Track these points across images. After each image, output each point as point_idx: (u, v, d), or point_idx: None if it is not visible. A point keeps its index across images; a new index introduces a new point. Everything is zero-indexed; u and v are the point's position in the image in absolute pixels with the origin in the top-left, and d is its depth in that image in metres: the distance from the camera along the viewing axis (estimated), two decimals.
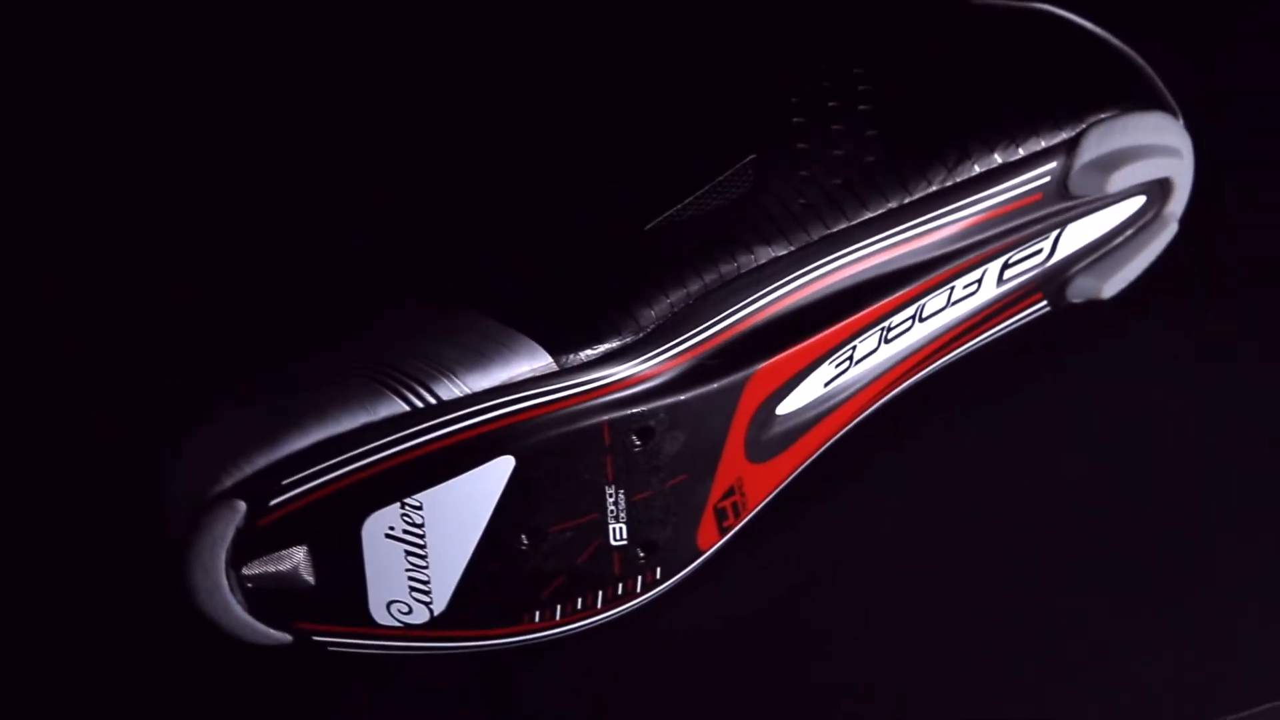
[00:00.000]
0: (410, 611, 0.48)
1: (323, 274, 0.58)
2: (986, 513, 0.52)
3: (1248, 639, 0.50)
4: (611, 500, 0.48)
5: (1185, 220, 0.55)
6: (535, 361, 0.46)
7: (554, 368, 0.46)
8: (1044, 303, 0.54)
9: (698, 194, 0.49)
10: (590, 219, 0.49)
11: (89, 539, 0.53)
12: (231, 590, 0.46)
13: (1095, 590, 0.50)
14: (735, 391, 0.48)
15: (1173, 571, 0.51)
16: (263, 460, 0.45)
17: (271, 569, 0.47)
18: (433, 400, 0.45)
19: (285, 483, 0.45)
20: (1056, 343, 0.56)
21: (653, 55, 0.56)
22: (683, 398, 0.47)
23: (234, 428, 0.46)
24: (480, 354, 0.46)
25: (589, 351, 0.47)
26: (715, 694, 0.49)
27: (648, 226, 0.49)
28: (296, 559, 0.47)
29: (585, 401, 0.47)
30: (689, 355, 0.48)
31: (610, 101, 0.56)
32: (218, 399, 0.47)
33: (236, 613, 0.47)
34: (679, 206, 0.49)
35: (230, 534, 0.45)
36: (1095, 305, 0.55)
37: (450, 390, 0.46)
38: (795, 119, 0.51)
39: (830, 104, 0.51)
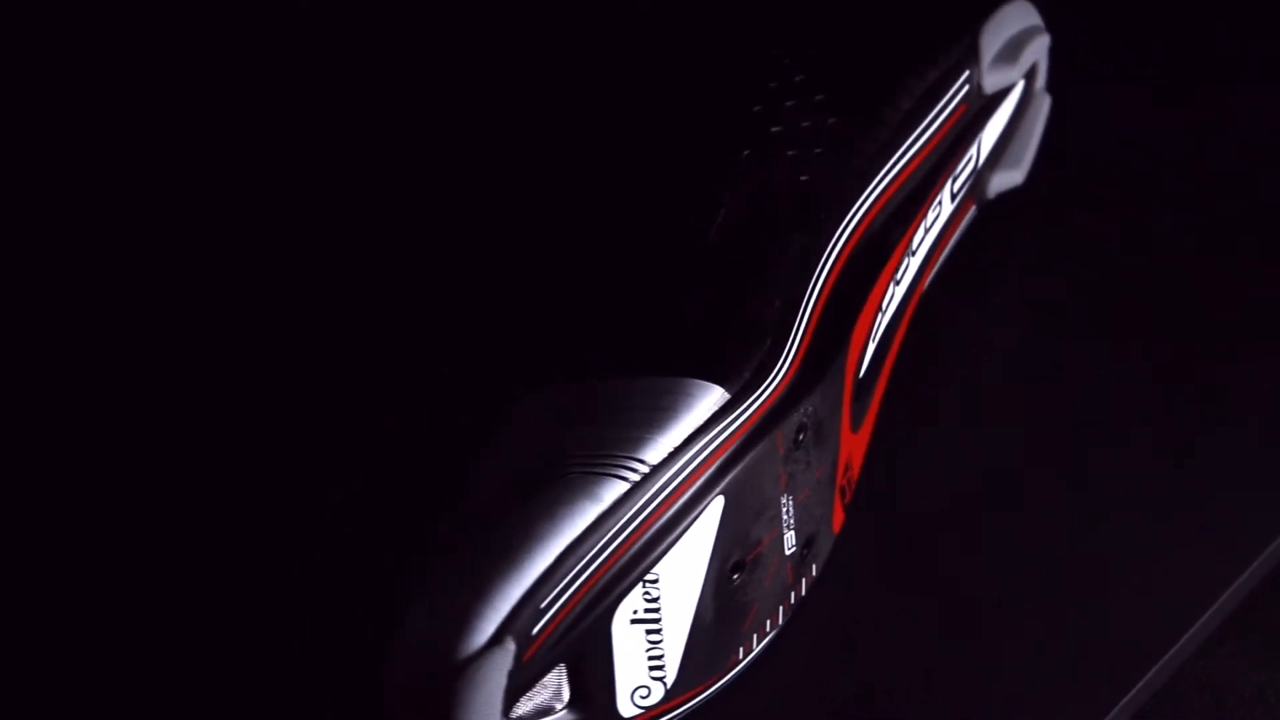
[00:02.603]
0: (649, 693, 0.46)
1: (326, 276, 0.56)
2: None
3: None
4: (785, 510, 0.47)
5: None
6: (711, 396, 0.45)
7: (727, 396, 0.46)
8: (974, 208, 0.57)
9: (725, 200, 0.49)
10: (650, 242, 0.49)
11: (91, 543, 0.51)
12: None
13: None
14: (841, 368, 0.49)
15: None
16: (517, 590, 0.43)
17: (537, 701, 0.44)
18: (645, 468, 0.44)
19: (544, 605, 0.43)
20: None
21: (616, 78, 0.55)
22: (818, 388, 0.48)
23: (469, 566, 0.43)
24: (663, 409, 0.45)
25: (746, 371, 0.46)
26: None
27: (708, 240, 0.48)
28: (554, 682, 0.44)
29: (759, 418, 0.46)
30: (803, 348, 0.48)
31: (601, 125, 0.54)
32: (425, 541, 0.44)
33: None
34: (720, 215, 0.49)
35: (504, 680, 0.42)
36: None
37: (655, 452, 0.44)
38: (754, 108, 0.51)
39: (771, 85, 0.52)
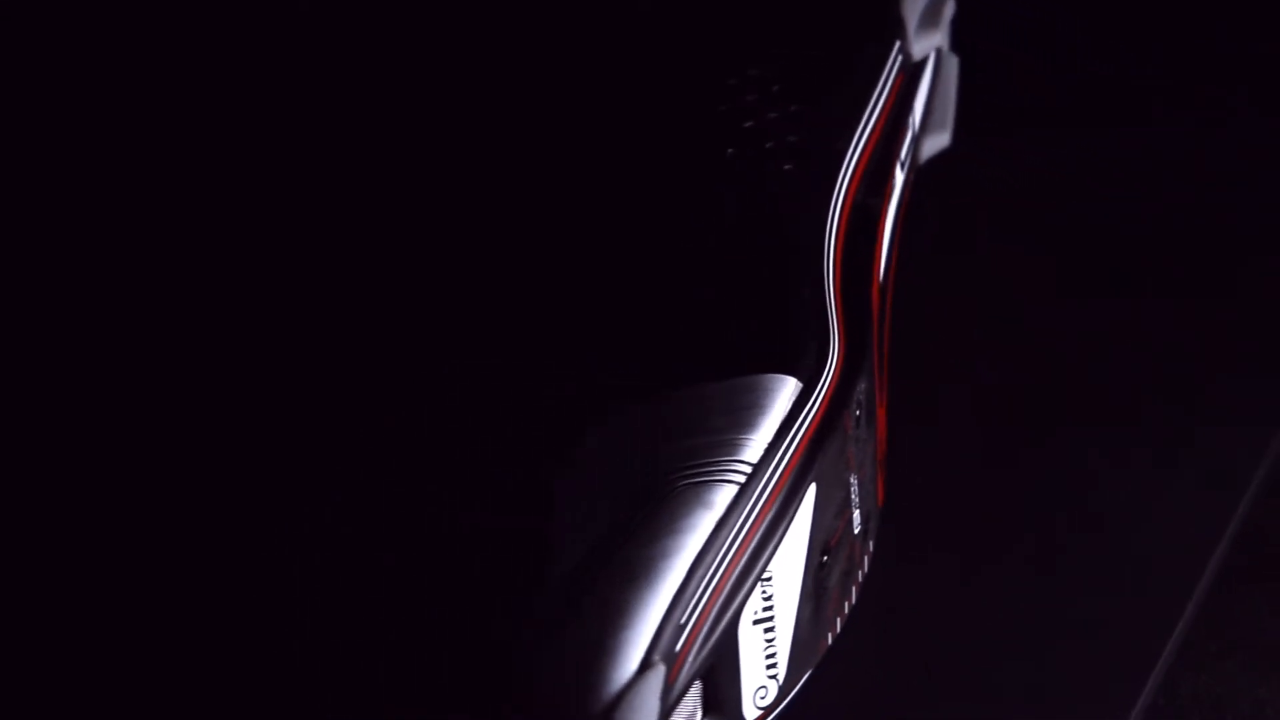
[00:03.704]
0: (766, 693, 0.46)
1: (326, 277, 0.54)
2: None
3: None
4: (853, 490, 0.48)
5: None
6: (788, 389, 0.45)
7: (800, 385, 0.46)
8: (912, 177, 0.58)
9: (725, 198, 0.49)
10: (669, 248, 0.48)
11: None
12: None
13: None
14: (870, 342, 0.49)
15: None
16: (658, 610, 0.42)
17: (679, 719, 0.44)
18: (748, 468, 0.44)
19: (682, 621, 0.42)
20: None
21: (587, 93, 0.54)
22: (865, 364, 0.48)
23: (605, 593, 0.42)
24: (747, 407, 0.45)
25: (809, 358, 0.46)
26: None
27: (720, 239, 0.48)
28: (691, 697, 0.44)
29: (829, 401, 0.46)
30: (841, 327, 0.48)
31: (595, 131, 0.53)
32: (548, 573, 0.42)
33: None
34: (724, 213, 0.49)
35: (658, 704, 0.42)
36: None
37: (753, 451, 0.44)
38: (721, 108, 0.51)
39: (731, 83, 0.52)
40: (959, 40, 0.58)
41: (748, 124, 0.51)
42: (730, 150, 0.50)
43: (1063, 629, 0.50)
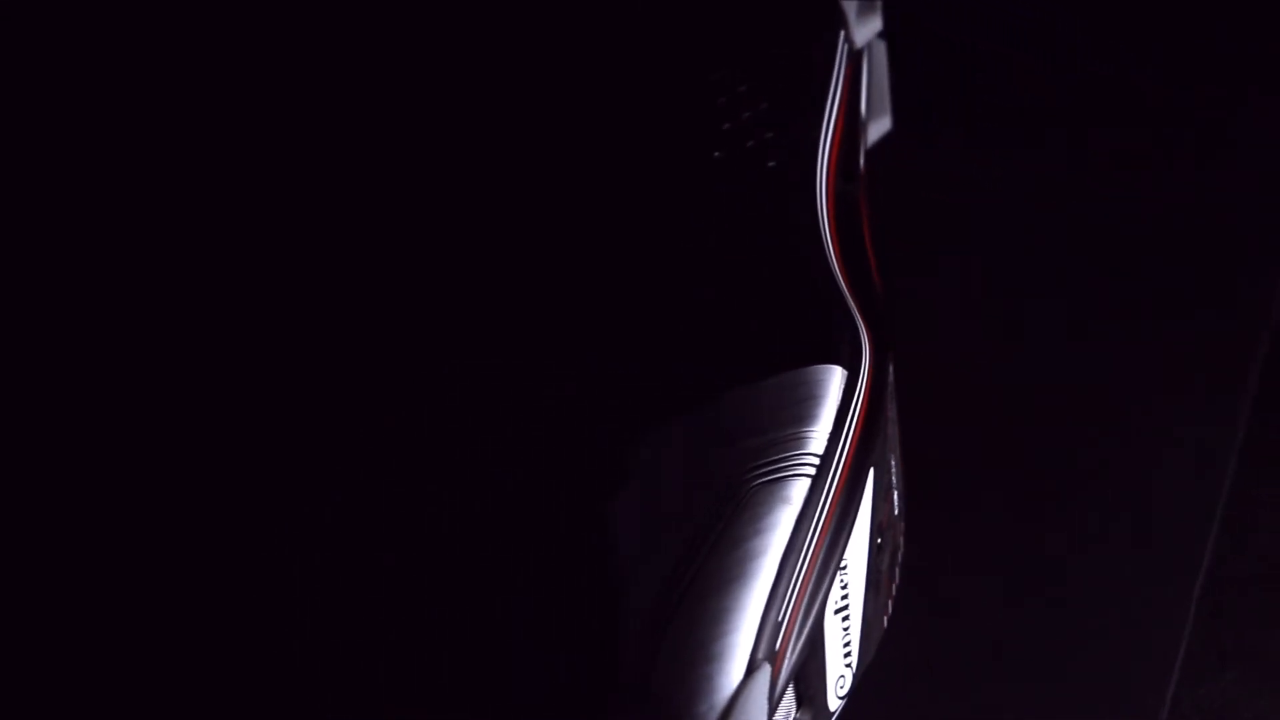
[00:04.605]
0: (844, 682, 0.47)
1: (327, 277, 0.53)
2: None
3: None
4: (894, 470, 0.49)
5: None
6: (837, 377, 0.46)
7: (846, 373, 0.47)
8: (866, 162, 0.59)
9: (721, 200, 0.51)
10: (679, 252, 0.49)
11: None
12: None
13: None
14: (886, 322, 0.51)
15: None
16: (756, 611, 0.43)
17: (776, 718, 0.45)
18: (816, 460, 0.45)
19: (779, 618, 0.43)
20: None
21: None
22: (889, 345, 0.49)
23: (701, 599, 0.43)
24: (803, 400, 0.46)
25: (846, 346, 0.47)
26: None
27: (722, 240, 0.50)
28: (788, 698, 0.45)
29: (872, 384, 0.47)
30: (860, 312, 0.49)
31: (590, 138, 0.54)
32: (637, 584, 0.44)
33: None
34: (722, 214, 0.50)
35: (765, 704, 0.43)
36: None
37: (818, 443, 0.45)
38: (700, 113, 0.53)
39: (702, 88, 0.54)
40: (959, 38, 0.59)
41: (725, 126, 0.52)
42: (717, 153, 0.51)
43: (1065, 631, 0.52)
